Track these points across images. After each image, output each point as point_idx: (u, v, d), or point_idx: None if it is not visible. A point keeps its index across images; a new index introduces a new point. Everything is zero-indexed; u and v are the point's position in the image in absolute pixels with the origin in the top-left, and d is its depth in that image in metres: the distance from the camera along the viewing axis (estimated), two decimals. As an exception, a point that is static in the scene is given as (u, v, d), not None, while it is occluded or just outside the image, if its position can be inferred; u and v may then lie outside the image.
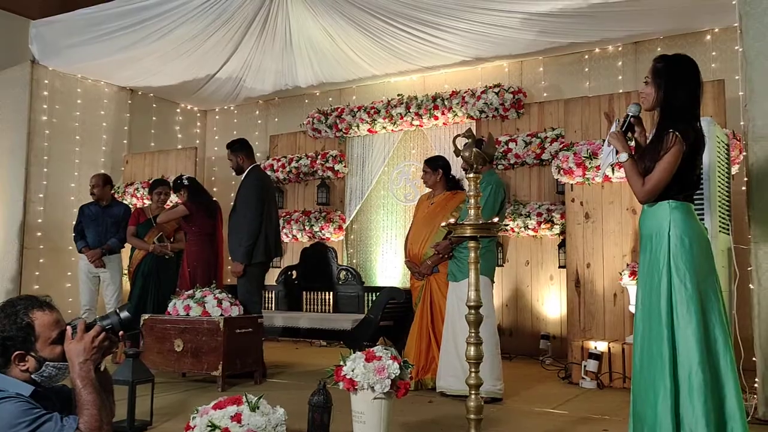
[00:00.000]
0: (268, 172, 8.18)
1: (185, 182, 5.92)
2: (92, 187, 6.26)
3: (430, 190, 5.17)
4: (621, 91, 6.19)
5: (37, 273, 7.52)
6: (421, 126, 7.58)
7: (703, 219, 3.94)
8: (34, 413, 1.85)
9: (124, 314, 2.13)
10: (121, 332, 2.14)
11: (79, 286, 6.35)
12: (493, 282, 4.62)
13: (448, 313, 4.56)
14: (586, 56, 6.98)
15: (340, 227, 7.91)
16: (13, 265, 7.41)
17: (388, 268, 7.75)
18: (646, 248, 2.80)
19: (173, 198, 7.39)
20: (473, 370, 2.95)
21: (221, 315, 4.71)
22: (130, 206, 7.13)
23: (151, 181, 6.69)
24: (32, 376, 1.98)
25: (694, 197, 2.88)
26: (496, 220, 3.18)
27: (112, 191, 6.61)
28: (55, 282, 7.64)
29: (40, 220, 7.62)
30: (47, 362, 1.99)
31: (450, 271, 4.64)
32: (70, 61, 7.77)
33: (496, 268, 6.75)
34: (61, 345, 2.01)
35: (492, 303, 4.53)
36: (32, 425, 1.83)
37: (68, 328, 2.03)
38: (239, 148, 5.36)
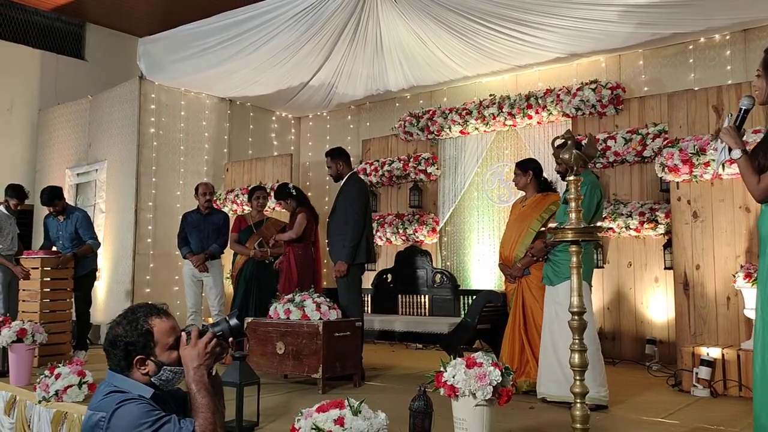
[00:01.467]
0: (361, 176, 8.29)
1: (293, 192, 6.05)
2: (209, 194, 6.56)
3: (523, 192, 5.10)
4: (730, 82, 5.83)
5: (147, 277, 7.97)
6: (515, 126, 7.44)
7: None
8: (155, 414, 1.95)
9: (234, 322, 2.21)
10: (230, 338, 2.23)
11: (184, 290, 6.67)
12: (591, 286, 4.46)
13: (545, 318, 4.45)
14: (691, 47, 6.63)
15: (433, 230, 7.90)
16: (128, 269, 7.90)
17: (482, 271, 7.66)
18: (766, 251, 2.63)
19: (270, 204, 7.64)
20: (578, 378, 2.86)
21: (320, 319, 4.81)
22: (229, 213, 7.44)
23: (249, 188, 6.93)
24: (152, 379, 2.09)
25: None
26: (600, 224, 3.07)
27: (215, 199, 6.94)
28: (164, 285, 8.07)
29: (150, 227, 8.07)
30: (165, 366, 2.10)
31: (545, 274, 4.53)
32: (174, 76, 8.18)
33: (596, 270, 6.57)
34: (177, 350, 2.11)
35: (591, 307, 4.38)
36: (153, 426, 1.93)
37: (183, 334, 2.13)
38: (339, 155, 5.48)
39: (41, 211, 9.36)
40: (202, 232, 6.46)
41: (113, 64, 10.07)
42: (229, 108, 9.18)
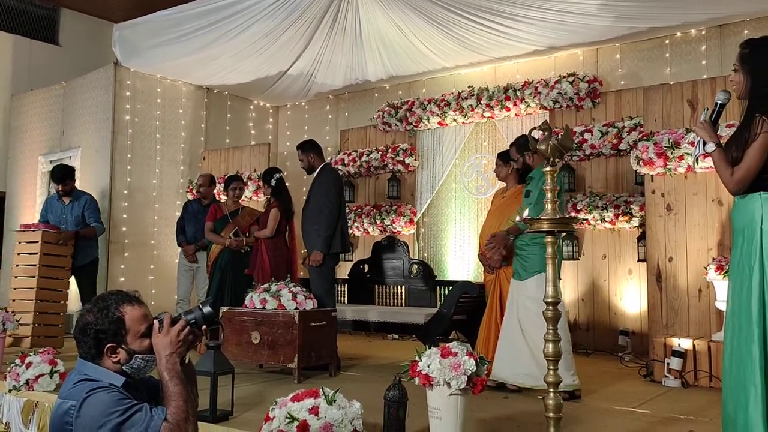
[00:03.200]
0: (339, 167, 8.27)
1: (272, 182, 5.99)
2: (199, 186, 6.57)
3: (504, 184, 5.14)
4: (705, 77, 5.90)
5: (122, 266, 7.88)
6: (493, 118, 7.46)
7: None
8: (126, 403, 1.92)
9: (207, 309, 2.19)
10: (204, 326, 2.21)
11: (177, 278, 6.65)
12: (560, 278, 4.49)
13: (507, 312, 4.52)
14: (667, 41, 6.69)
15: (411, 221, 7.90)
16: (102, 258, 7.77)
17: (460, 262, 7.69)
18: (738, 242, 2.67)
19: (246, 194, 7.59)
20: (551, 367, 2.89)
21: (296, 308, 4.79)
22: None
23: (225, 177, 6.88)
24: (123, 367, 2.06)
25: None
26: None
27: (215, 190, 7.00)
28: (139, 275, 7.98)
29: (124, 216, 7.97)
30: (136, 354, 2.07)
31: (515, 269, 4.57)
32: (150, 62, 8.06)
33: (571, 261, 6.63)
34: (149, 338, 2.08)
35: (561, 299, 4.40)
36: (124, 415, 1.90)
37: (155, 322, 2.10)
38: (310, 147, 5.49)
39: (12, 199, 9.20)
40: (199, 223, 6.46)
41: (88, 50, 9.89)
42: (206, 96, 9.07)
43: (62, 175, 6.22)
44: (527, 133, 3.33)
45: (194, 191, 6.45)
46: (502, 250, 4.64)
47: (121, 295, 2.11)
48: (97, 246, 6.44)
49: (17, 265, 5.93)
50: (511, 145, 4.84)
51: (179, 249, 6.68)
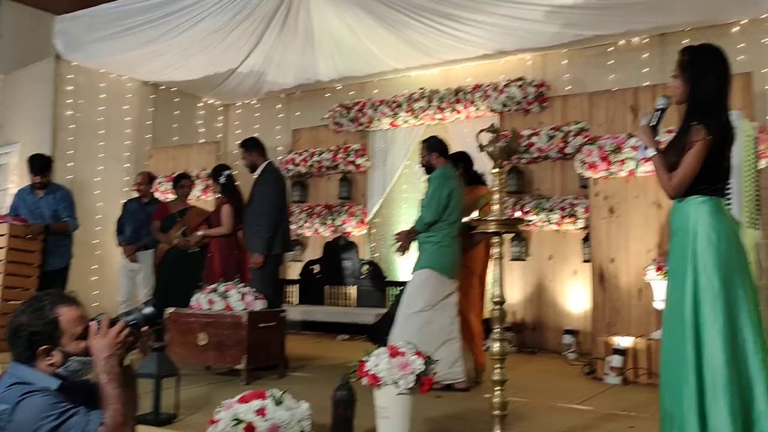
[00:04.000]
0: (290, 166, 8.21)
1: (221, 180, 5.88)
2: (139, 184, 6.39)
3: None
4: (647, 84, 6.08)
5: (63, 266, 7.61)
6: (444, 120, 7.53)
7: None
8: (61, 407, 1.86)
9: (148, 310, 2.14)
10: (144, 327, 2.15)
11: (119, 280, 6.45)
12: (451, 278, 4.52)
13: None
14: (611, 49, 6.87)
15: (362, 221, 7.90)
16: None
17: (410, 263, 7.71)
18: (674, 244, 2.76)
19: (194, 192, 7.45)
20: (498, 366, 2.94)
21: (244, 309, 4.73)
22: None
23: (174, 176, 6.74)
24: (58, 370, 1.99)
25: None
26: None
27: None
28: (82, 274, 7.72)
29: (65, 214, 7.70)
30: (72, 357, 2.00)
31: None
32: (93, 56, 7.83)
33: (519, 262, 6.74)
34: (86, 340, 2.02)
35: (436, 297, 4.46)
36: (59, 419, 1.84)
37: (92, 323, 2.04)
38: (252, 146, 5.44)
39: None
40: (137, 222, 6.28)
41: (28, 42, 9.51)
42: (153, 92, 8.86)
43: (42, 165, 5.76)
44: (476, 135, 3.35)
45: (186, 193, 6.27)
46: (407, 245, 4.70)
47: (57, 296, 2.04)
48: (71, 247, 6.00)
49: None
50: (423, 142, 4.89)
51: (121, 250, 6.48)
